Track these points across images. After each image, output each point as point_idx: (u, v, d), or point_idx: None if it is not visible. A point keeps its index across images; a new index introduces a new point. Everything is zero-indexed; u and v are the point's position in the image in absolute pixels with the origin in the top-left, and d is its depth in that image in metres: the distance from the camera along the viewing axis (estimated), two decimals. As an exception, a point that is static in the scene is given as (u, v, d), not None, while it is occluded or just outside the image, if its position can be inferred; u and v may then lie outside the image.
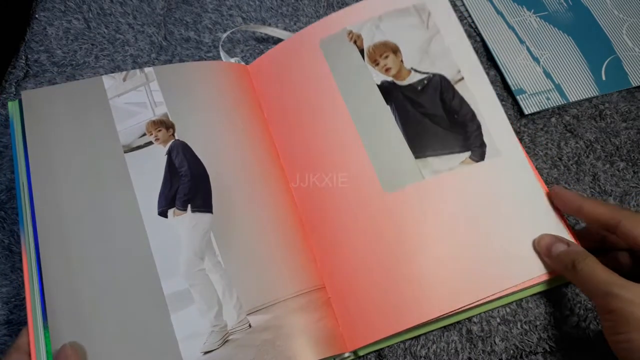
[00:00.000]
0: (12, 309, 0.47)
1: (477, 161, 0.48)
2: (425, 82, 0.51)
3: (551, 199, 0.47)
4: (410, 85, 0.51)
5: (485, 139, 0.49)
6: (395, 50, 0.52)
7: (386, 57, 0.52)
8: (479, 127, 0.50)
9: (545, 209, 0.47)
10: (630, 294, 0.38)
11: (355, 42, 0.53)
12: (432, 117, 0.50)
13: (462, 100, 0.51)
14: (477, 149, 0.49)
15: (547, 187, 0.51)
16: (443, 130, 0.50)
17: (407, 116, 0.50)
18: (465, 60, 0.52)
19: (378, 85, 0.51)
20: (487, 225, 0.46)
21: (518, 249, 0.46)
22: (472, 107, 0.50)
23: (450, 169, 0.48)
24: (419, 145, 0.49)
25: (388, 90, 0.51)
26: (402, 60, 0.52)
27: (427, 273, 0.45)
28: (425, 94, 0.51)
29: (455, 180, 0.48)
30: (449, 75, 0.52)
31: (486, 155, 0.49)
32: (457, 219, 0.46)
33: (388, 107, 0.50)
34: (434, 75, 0.52)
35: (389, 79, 0.52)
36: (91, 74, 0.58)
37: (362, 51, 0.53)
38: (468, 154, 0.49)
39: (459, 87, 0.51)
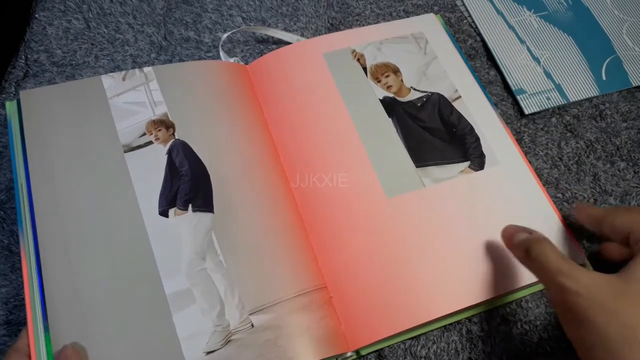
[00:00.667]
0: (12, 309, 0.47)
1: (477, 170, 0.51)
2: (424, 99, 0.54)
3: (574, 213, 0.48)
4: (410, 101, 0.54)
5: (484, 150, 0.52)
6: (396, 71, 0.55)
7: (387, 75, 0.55)
8: (477, 139, 0.53)
9: (545, 213, 0.49)
10: (575, 284, 0.35)
11: (358, 60, 0.56)
12: (431, 130, 0.53)
13: (460, 116, 0.53)
14: (477, 159, 0.51)
15: (546, 187, 0.52)
16: (442, 142, 0.52)
17: (408, 129, 0.52)
18: (462, 82, 0.55)
19: (380, 100, 0.53)
20: (486, 230, 0.47)
21: None
22: (470, 121, 0.53)
23: (450, 177, 0.50)
24: (420, 156, 0.51)
25: (390, 105, 0.53)
26: (402, 80, 0.55)
27: (427, 274, 0.45)
28: (424, 109, 0.53)
29: (455, 188, 0.50)
30: (447, 94, 0.54)
31: (485, 165, 0.51)
32: (457, 224, 0.48)
33: (390, 120, 0.52)
34: (433, 93, 0.54)
35: (390, 95, 0.54)
36: (91, 74, 0.58)
37: (364, 69, 0.55)
38: (467, 163, 0.51)
39: (457, 104, 0.54)
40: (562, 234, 0.48)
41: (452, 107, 0.54)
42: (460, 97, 0.54)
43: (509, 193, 0.50)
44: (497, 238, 0.47)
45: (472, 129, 0.53)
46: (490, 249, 0.47)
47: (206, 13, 0.63)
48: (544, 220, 0.49)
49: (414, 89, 0.55)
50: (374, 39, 0.57)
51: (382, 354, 0.46)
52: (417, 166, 0.50)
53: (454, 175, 0.50)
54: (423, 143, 0.52)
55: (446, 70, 0.56)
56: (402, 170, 0.50)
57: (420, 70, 0.56)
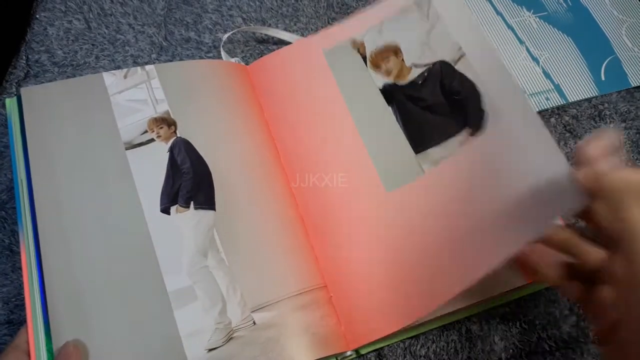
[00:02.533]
0: (13, 309, 0.47)
1: (476, 132, 0.45)
2: (426, 74, 0.50)
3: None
4: (411, 82, 0.51)
5: (485, 105, 0.46)
6: (397, 51, 0.52)
7: (388, 60, 0.52)
8: (478, 96, 0.46)
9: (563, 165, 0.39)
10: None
11: (358, 50, 0.53)
12: (433, 107, 0.49)
13: (462, 79, 0.48)
14: (476, 120, 0.46)
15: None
16: (444, 117, 0.48)
17: (408, 114, 0.50)
18: (465, 35, 0.49)
19: (380, 89, 0.51)
20: (490, 204, 0.42)
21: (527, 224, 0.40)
22: (473, 78, 0.47)
23: (450, 154, 0.46)
24: (420, 141, 0.48)
25: (389, 93, 0.51)
26: (403, 60, 0.52)
27: (428, 269, 0.43)
28: (425, 86, 0.50)
29: (455, 164, 0.45)
30: (450, 57, 0.49)
31: (487, 122, 0.45)
32: (459, 209, 0.44)
33: (389, 109, 0.50)
34: (434, 64, 0.50)
35: (390, 81, 0.51)
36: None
37: (364, 58, 0.53)
38: (468, 131, 0.46)
39: (460, 66, 0.49)
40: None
41: (455, 73, 0.49)
42: (464, 54, 0.48)
43: (517, 152, 0.42)
44: (502, 211, 0.41)
45: (473, 85, 0.47)
46: (494, 230, 0.41)
47: (206, 14, 0.63)
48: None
49: (415, 66, 0.51)
50: (375, 22, 0.54)
51: (381, 353, 0.46)
52: (417, 152, 0.48)
53: (453, 152, 0.46)
54: (424, 125, 0.49)
55: (449, 26, 0.50)
56: (401, 161, 0.48)
57: (422, 41, 0.51)
